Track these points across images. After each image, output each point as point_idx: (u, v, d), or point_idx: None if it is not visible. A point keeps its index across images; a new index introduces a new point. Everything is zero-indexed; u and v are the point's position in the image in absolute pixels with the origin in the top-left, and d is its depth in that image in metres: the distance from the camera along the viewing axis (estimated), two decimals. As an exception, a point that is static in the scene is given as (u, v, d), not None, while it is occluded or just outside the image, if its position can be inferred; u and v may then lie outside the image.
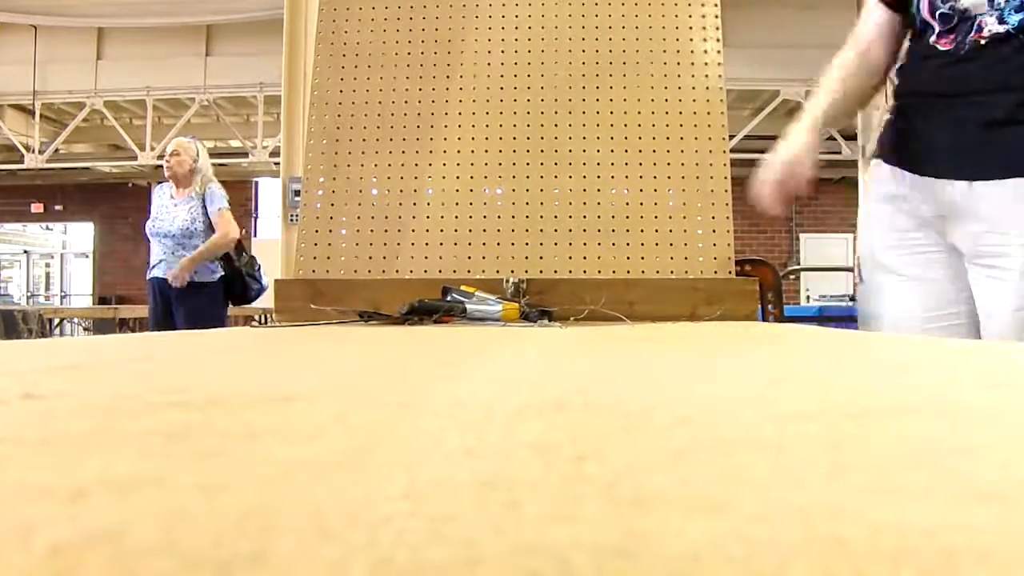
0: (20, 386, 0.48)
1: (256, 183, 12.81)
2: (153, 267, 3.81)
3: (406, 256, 1.81)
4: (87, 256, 12.57)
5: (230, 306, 4.09)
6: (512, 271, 1.76)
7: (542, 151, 1.86)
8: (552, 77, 1.91)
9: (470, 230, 1.81)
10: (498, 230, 1.81)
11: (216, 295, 3.77)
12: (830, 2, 9.45)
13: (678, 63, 1.91)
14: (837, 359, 0.78)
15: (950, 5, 1.39)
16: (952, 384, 0.54)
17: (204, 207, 3.74)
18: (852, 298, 7.85)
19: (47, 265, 13.32)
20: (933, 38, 1.43)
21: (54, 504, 0.21)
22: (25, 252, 12.92)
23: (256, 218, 12.98)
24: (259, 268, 3.99)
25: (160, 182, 3.90)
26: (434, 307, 1.50)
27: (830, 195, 12.26)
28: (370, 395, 0.45)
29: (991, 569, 0.16)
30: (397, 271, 1.80)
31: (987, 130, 1.37)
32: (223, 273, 3.77)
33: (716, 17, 1.95)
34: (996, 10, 1.34)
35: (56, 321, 7.76)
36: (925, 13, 1.43)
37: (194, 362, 0.76)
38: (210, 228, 3.73)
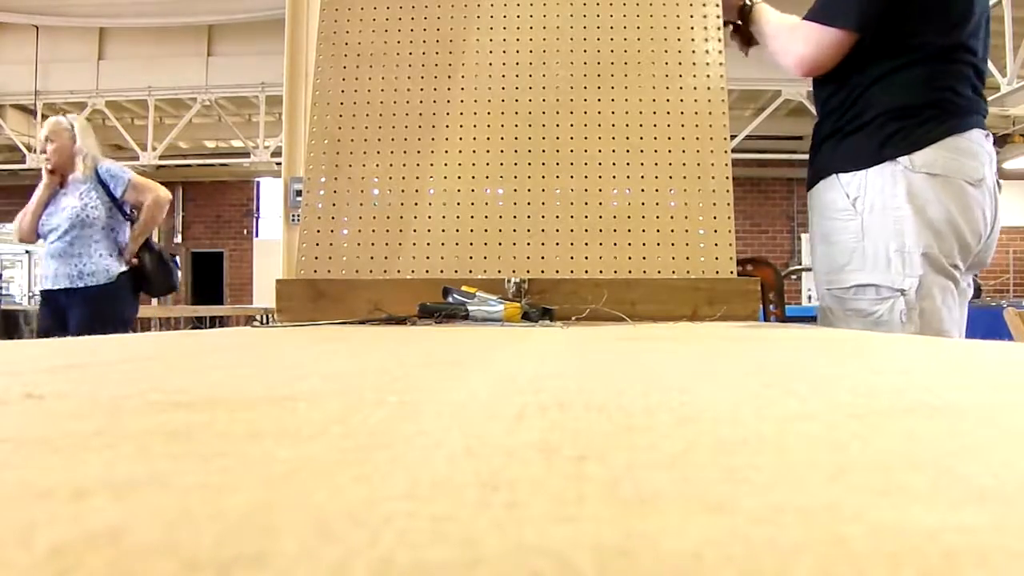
0: (21, 386, 0.48)
1: (258, 183, 12.83)
2: (47, 278, 3.26)
3: (407, 256, 1.81)
4: (88, 256, 12.55)
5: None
6: (513, 271, 1.76)
7: (543, 151, 1.86)
8: (553, 77, 1.91)
9: (471, 230, 1.81)
10: (499, 230, 1.81)
11: (117, 295, 3.24)
12: (831, 2, 9.43)
13: (679, 63, 1.91)
14: (839, 359, 0.78)
15: None
16: (954, 384, 0.54)
17: (102, 191, 3.23)
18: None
19: (49, 265, 13.30)
20: None
21: (55, 504, 0.21)
22: (27, 252, 12.92)
23: (258, 218, 12.99)
24: (175, 254, 3.60)
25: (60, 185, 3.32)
26: (438, 309, 1.51)
27: (832, 195, 12.26)
28: (371, 395, 0.45)
29: (992, 570, 0.16)
30: (399, 271, 1.80)
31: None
32: (124, 269, 3.26)
33: (718, 17, 1.95)
34: None
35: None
36: None
37: (195, 362, 0.76)
38: (113, 214, 3.23)
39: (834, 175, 1.73)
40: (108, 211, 3.23)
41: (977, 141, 1.67)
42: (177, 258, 3.57)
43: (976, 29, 1.70)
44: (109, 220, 3.24)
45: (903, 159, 1.64)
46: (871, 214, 1.67)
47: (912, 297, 1.63)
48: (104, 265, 3.21)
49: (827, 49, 1.70)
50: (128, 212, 3.32)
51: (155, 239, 3.40)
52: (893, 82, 1.67)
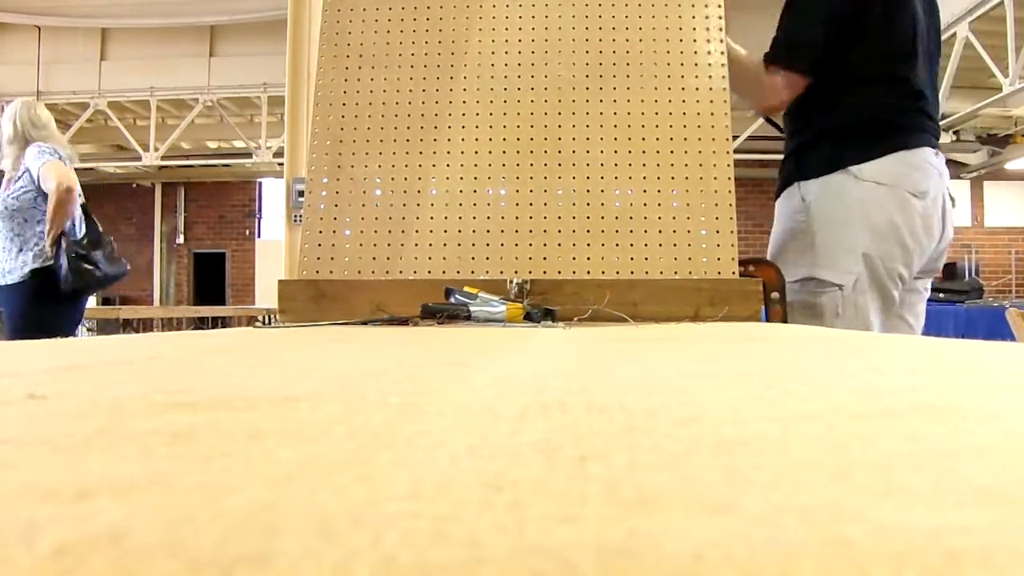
0: (23, 386, 0.48)
1: (260, 183, 12.85)
2: None
3: (410, 257, 1.81)
4: (90, 256, 12.56)
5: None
6: (516, 272, 1.76)
7: (546, 151, 1.86)
8: (556, 78, 1.91)
9: (474, 231, 1.81)
10: (502, 231, 1.81)
11: (23, 297, 2.92)
12: (833, 2, 9.42)
13: (682, 64, 1.91)
14: (841, 360, 0.78)
15: None
16: (955, 385, 0.54)
17: (28, 178, 2.97)
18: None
19: (50, 265, 13.30)
20: None
21: (58, 505, 0.21)
22: None
23: (260, 218, 13.01)
24: (108, 249, 3.07)
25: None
26: (441, 310, 1.51)
27: (834, 195, 12.24)
28: (374, 396, 0.45)
29: (995, 571, 0.16)
30: (401, 272, 1.80)
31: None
32: (34, 267, 2.94)
33: (720, 18, 1.95)
34: None
35: (59, 321, 7.74)
36: None
37: (198, 363, 0.76)
38: (37, 202, 2.95)
39: (795, 183, 1.95)
40: (31, 202, 2.96)
41: (925, 158, 1.87)
42: (115, 250, 3.08)
43: (918, 62, 1.92)
44: (32, 212, 2.95)
45: (853, 168, 1.85)
46: (821, 215, 1.88)
47: (849, 292, 1.83)
48: (21, 262, 2.96)
49: (790, 92, 1.95)
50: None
51: (80, 232, 3.02)
52: (840, 106, 1.90)
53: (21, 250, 2.96)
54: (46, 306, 2.96)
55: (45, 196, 2.98)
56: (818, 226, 1.88)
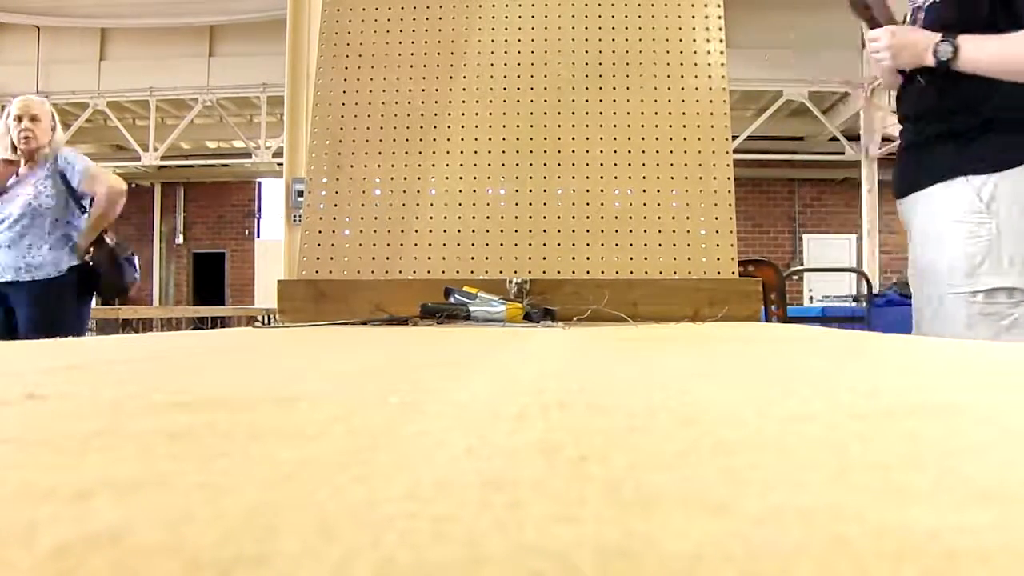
0: (23, 387, 0.48)
1: (259, 184, 12.84)
2: None
3: (409, 257, 1.81)
4: (90, 256, 12.56)
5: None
6: (515, 272, 1.76)
7: (545, 152, 1.86)
8: (555, 78, 1.91)
9: (473, 231, 1.81)
10: (501, 231, 1.81)
11: (63, 292, 2.98)
12: (832, 3, 9.45)
13: (681, 64, 1.91)
14: (840, 360, 0.78)
15: None
16: (954, 385, 0.54)
17: (59, 179, 2.99)
18: (855, 299, 7.84)
19: (51, 265, 13.29)
20: None
21: (58, 504, 0.21)
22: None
23: (259, 219, 13.00)
24: (131, 252, 3.18)
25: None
26: (440, 310, 1.51)
27: (833, 195, 12.26)
28: (373, 396, 0.45)
29: (993, 570, 0.16)
30: (400, 272, 1.80)
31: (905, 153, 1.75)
32: (76, 263, 2.99)
33: (719, 18, 1.95)
34: None
35: (59, 321, 7.73)
36: None
37: (197, 363, 0.76)
38: (68, 205, 2.99)
39: (962, 177, 1.69)
40: (64, 202, 3.00)
41: None
42: (136, 258, 3.23)
43: None
44: (63, 211, 2.99)
45: None
46: (1009, 216, 1.64)
47: None
48: (52, 258, 2.95)
49: None
50: (84, 205, 3.08)
51: (112, 236, 3.12)
52: (1012, 90, 1.63)
53: (51, 248, 2.99)
54: (76, 303, 3.03)
55: (76, 197, 3.04)
56: (1006, 228, 1.64)
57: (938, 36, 1.66)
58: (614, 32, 1.94)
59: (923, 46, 1.69)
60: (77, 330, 2.98)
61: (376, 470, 0.26)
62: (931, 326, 1.74)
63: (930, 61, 1.68)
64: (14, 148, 3.04)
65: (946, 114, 1.72)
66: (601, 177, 1.84)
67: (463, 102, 1.91)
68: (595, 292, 1.65)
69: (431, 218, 1.83)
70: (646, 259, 1.77)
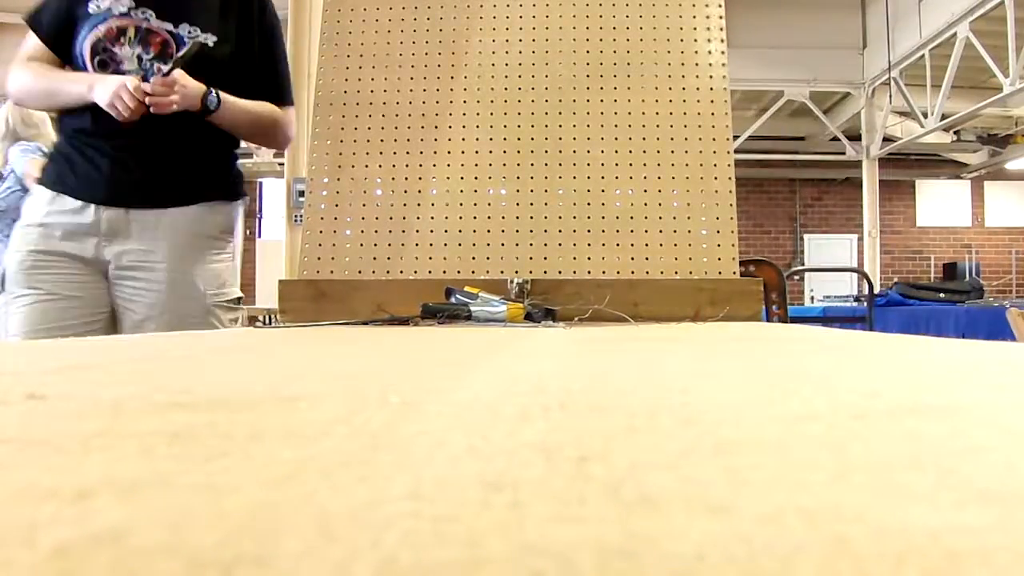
0: (24, 386, 0.48)
1: (260, 184, 12.84)
2: None
3: (410, 257, 1.81)
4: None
5: None
6: (516, 271, 1.76)
7: (546, 151, 1.86)
8: (557, 77, 1.92)
9: (474, 231, 1.81)
10: (502, 230, 1.81)
11: None
12: (833, 3, 9.46)
13: (682, 64, 1.91)
14: (841, 360, 0.78)
15: (108, 55, 1.74)
16: (955, 385, 0.54)
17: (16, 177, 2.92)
18: (857, 299, 7.84)
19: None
20: None
21: (58, 504, 0.21)
22: None
23: (260, 219, 13.00)
24: None
25: None
26: (441, 310, 1.51)
27: (834, 195, 12.27)
28: (374, 396, 0.45)
29: (995, 570, 0.16)
30: (401, 272, 1.80)
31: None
32: None
33: (720, 18, 1.95)
34: (143, 70, 1.71)
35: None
36: (86, 58, 1.77)
37: (198, 362, 0.77)
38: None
39: None
40: (19, 200, 2.84)
41: None
42: None
43: None
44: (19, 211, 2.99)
45: None
46: None
47: None
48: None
49: None
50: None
51: None
52: None
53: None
54: None
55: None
56: None
57: None
58: (615, 32, 1.94)
59: None
60: None
61: (377, 470, 0.26)
62: None
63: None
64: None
65: None
66: (602, 177, 1.84)
67: (464, 102, 1.91)
68: (596, 292, 1.65)
69: (432, 218, 1.83)
70: (647, 259, 1.77)
